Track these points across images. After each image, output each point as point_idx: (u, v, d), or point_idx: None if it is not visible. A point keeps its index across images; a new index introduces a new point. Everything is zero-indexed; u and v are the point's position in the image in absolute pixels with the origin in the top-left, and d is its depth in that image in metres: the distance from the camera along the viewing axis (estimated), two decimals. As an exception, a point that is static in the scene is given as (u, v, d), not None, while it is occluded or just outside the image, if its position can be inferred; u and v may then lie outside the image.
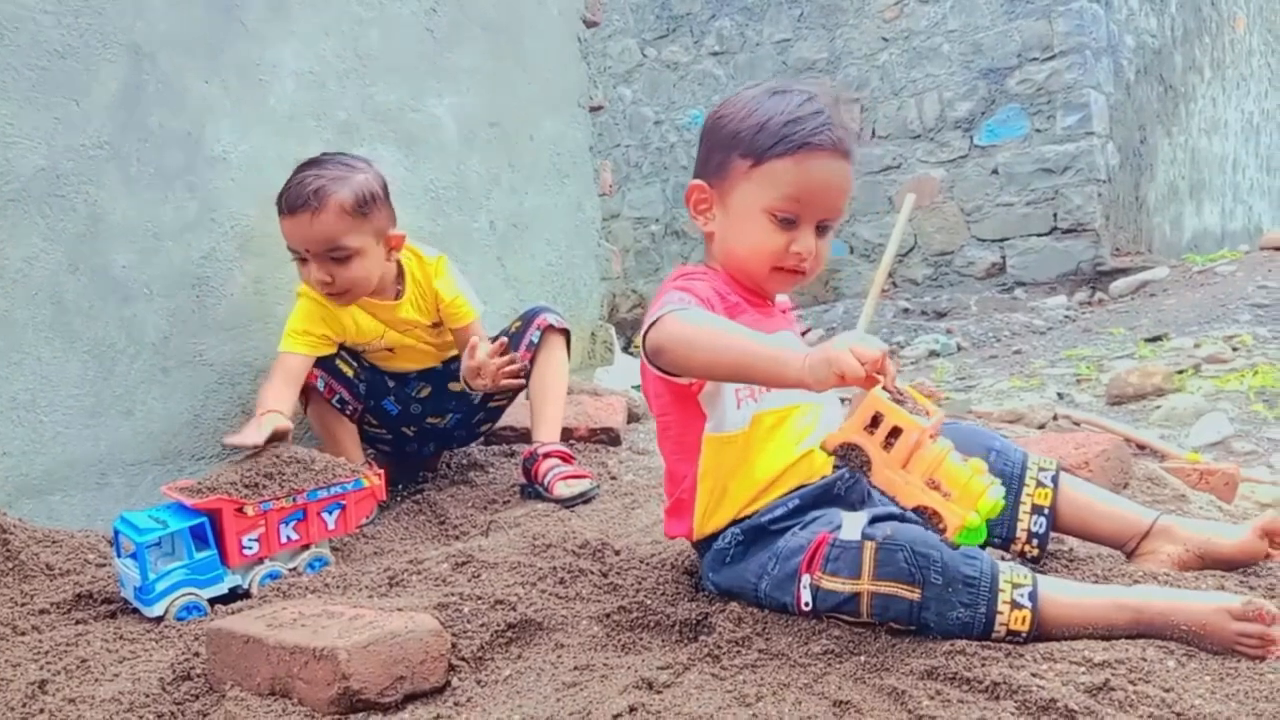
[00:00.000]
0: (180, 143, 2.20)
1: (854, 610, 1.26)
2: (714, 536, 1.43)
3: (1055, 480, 1.46)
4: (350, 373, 2.27)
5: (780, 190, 1.39)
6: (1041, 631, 1.20)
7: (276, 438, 1.89)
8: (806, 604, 1.30)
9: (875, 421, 1.14)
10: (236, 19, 2.30)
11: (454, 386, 2.37)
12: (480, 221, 2.91)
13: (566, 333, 2.37)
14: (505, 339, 2.29)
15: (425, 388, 2.39)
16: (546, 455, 2.23)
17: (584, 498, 2.15)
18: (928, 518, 1.12)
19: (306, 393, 2.21)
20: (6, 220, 1.95)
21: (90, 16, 2.06)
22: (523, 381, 2.29)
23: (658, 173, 8.00)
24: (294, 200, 2.07)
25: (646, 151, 8.02)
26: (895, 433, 1.13)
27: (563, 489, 2.16)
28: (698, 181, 1.49)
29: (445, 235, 2.78)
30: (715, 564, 1.43)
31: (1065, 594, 1.23)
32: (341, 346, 2.27)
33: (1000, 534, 1.44)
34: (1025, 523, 1.44)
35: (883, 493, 1.16)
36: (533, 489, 2.23)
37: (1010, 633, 1.20)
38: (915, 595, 1.22)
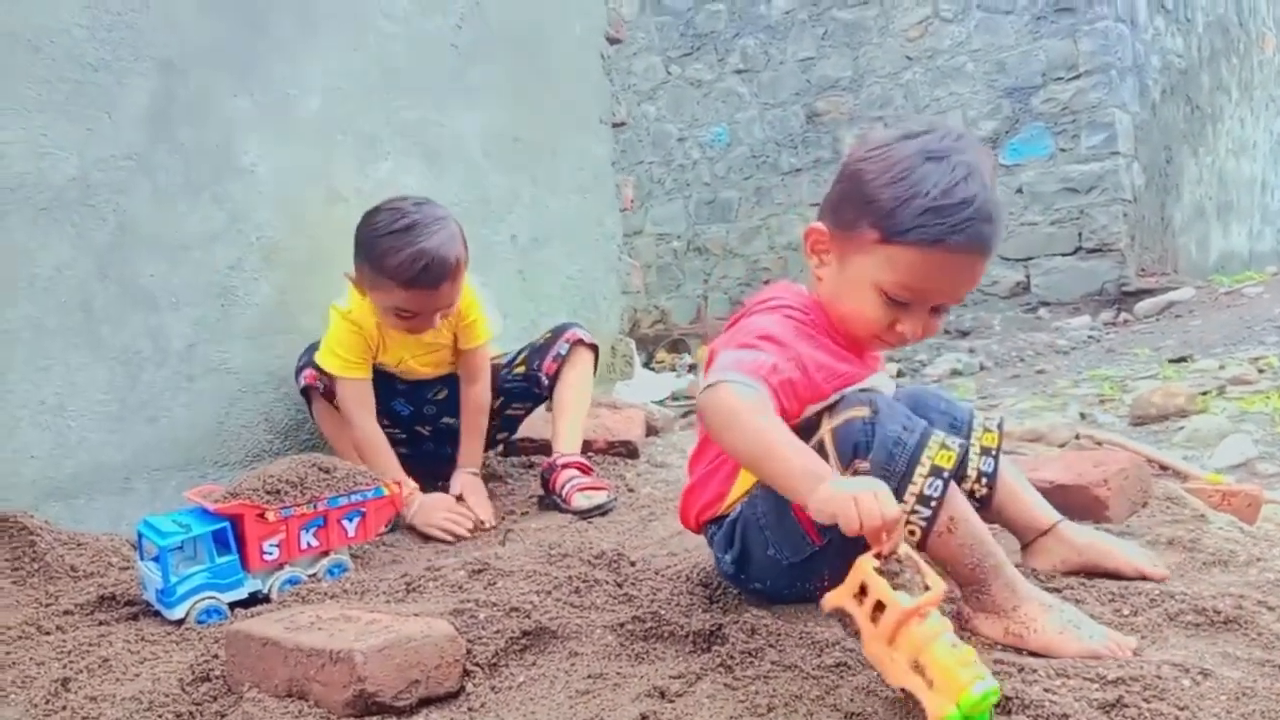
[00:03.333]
0: (208, 155, 2.24)
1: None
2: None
3: (1000, 426, 1.50)
4: None
5: (900, 277, 1.32)
6: (952, 508, 1.26)
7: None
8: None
9: (864, 590, 1.09)
10: (266, 35, 2.34)
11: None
12: (502, 235, 2.94)
13: (595, 349, 2.38)
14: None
15: (442, 390, 2.40)
16: (565, 466, 2.24)
17: (601, 510, 2.15)
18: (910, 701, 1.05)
19: (309, 394, 2.24)
20: (38, 229, 1.99)
21: (123, 31, 2.10)
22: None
23: (680, 189, 8.02)
24: (436, 277, 2.07)
25: (670, 168, 8.05)
26: (881, 607, 1.07)
27: (580, 500, 2.17)
28: (820, 227, 1.41)
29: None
30: (727, 537, 1.44)
31: (971, 509, 1.30)
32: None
33: None
34: (976, 463, 1.46)
35: (871, 666, 1.11)
36: (550, 500, 2.24)
37: (933, 468, 1.24)
38: (865, 412, 1.29)
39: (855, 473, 1.28)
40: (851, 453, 1.29)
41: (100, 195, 2.07)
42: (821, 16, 7.20)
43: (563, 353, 2.33)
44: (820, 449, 1.31)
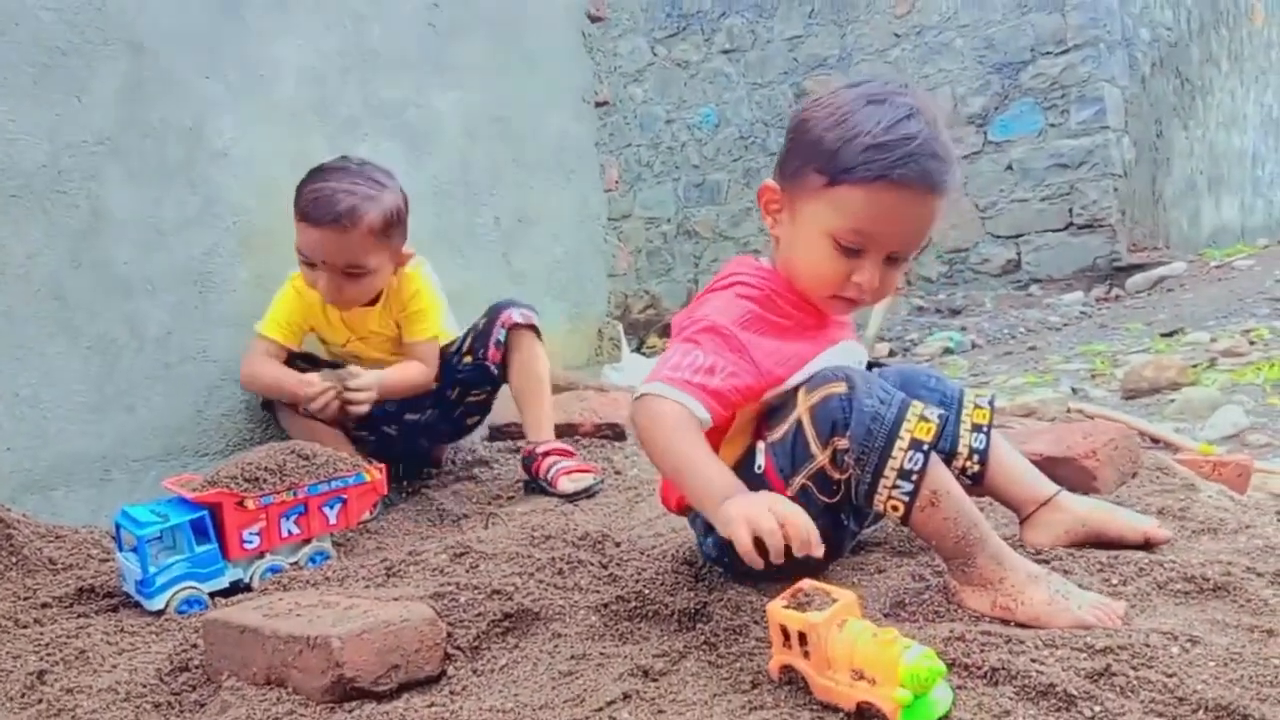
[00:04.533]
0: (181, 138, 2.21)
1: (804, 446, 1.30)
2: None
3: (991, 403, 1.49)
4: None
5: (848, 220, 1.30)
6: (933, 482, 1.24)
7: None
8: (759, 467, 1.36)
9: (787, 635, 1.08)
10: (237, 15, 2.30)
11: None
12: (485, 217, 2.90)
13: (534, 328, 2.28)
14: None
15: None
16: (546, 454, 2.22)
17: (589, 492, 2.13)
18: (873, 716, 1.02)
19: (272, 405, 2.22)
20: (9, 216, 1.96)
21: (91, 13, 2.06)
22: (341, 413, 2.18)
23: (669, 172, 7.99)
24: (323, 212, 2.04)
25: (658, 151, 8.02)
26: (805, 639, 1.06)
27: (567, 484, 2.15)
28: (771, 183, 1.41)
29: (450, 231, 2.78)
30: (707, 522, 1.43)
31: (954, 480, 1.29)
32: (304, 356, 2.28)
33: (943, 447, 1.43)
34: (966, 439, 1.45)
35: (827, 705, 1.07)
36: (536, 485, 2.21)
37: (913, 441, 1.23)
38: (842, 388, 1.27)
39: (835, 450, 1.28)
40: (830, 430, 1.27)
41: (72, 181, 2.04)
42: (808, -6, 7.16)
43: (501, 339, 2.25)
44: (798, 428, 1.31)
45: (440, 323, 2.32)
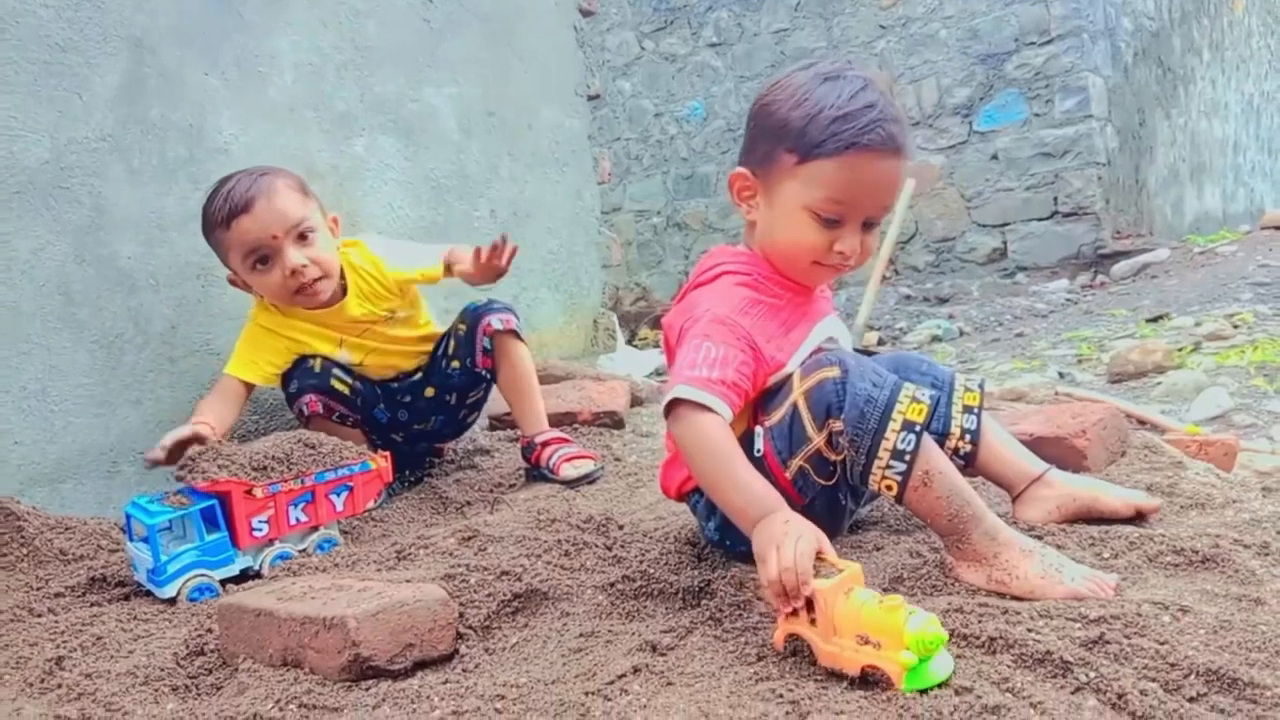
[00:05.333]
0: (182, 134, 2.23)
1: (800, 429, 1.34)
2: None
3: (981, 386, 1.54)
4: (346, 390, 2.23)
5: (825, 191, 1.35)
6: (926, 462, 1.28)
7: (190, 442, 1.87)
8: (758, 451, 1.39)
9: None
10: (235, 11, 2.32)
11: (429, 393, 2.34)
12: (481, 210, 2.93)
13: (516, 333, 2.29)
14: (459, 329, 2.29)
15: (406, 395, 2.35)
16: (546, 443, 2.25)
17: (589, 478, 2.17)
18: (876, 680, 1.05)
19: (312, 423, 2.20)
20: (12, 213, 1.98)
21: (90, 10, 2.08)
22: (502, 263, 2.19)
23: (658, 165, 8.01)
24: (241, 197, 2.01)
25: (646, 144, 8.04)
26: (811, 607, 1.10)
27: (569, 470, 2.18)
28: (742, 170, 1.45)
29: (447, 224, 2.81)
30: (710, 506, 1.47)
31: (946, 459, 1.32)
32: (333, 363, 2.23)
33: (936, 429, 1.47)
34: (958, 420, 1.50)
35: (832, 671, 1.10)
36: (538, 472, 2.25)
37: (905, 423, 1.27)
38: (836, 373, 1.31)
39: (830, 433, 1.32)
40: (825, 414, 1.32)
41: (74, 177, 2.06)
42: (794, -13, 7.19)
43: (488, 347, 2.26)
44: (794, 412, 1.35)
45: (412, 267, 2.29)
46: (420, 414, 2.36)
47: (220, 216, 2.03)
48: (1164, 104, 7.33)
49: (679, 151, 7.91)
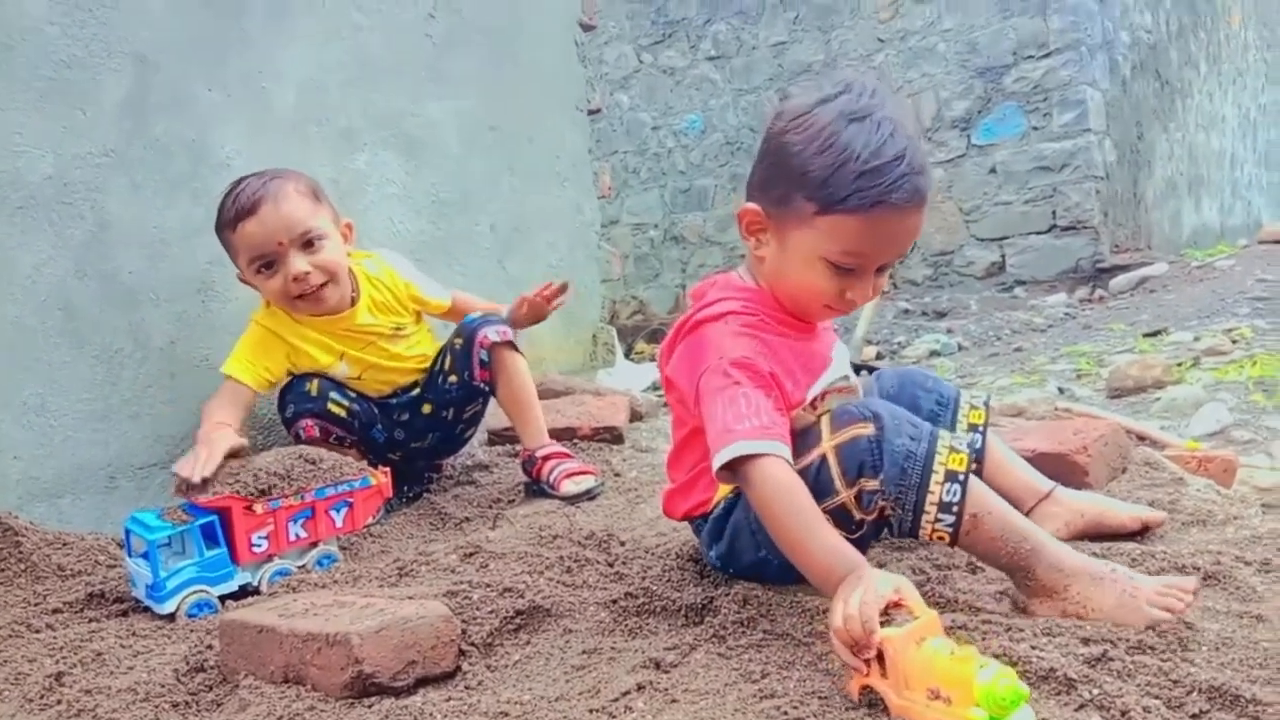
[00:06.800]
0: (185, 150, 2.24)
1: (827, 480, 1.28)
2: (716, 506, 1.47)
3: (986, 404, 1.53)
4: (343, 413, 2.22)
5: (844, 245, 1.30)
6: (973, 504, 1.25)
7: (232, 455, 1.83)
8: None
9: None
10: (238, 27, 2.33)
11: (426, 409, 2.32)
12: (482, 224, 2.94)
13: (511, 344, 2.28)
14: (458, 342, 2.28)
15: (404, 413, 2.33)
16: (547, 457, 2.25)
17: (590, 494, 2.16)
18: None
19: (302, 441, 2.18)
20: (16, 228, 1.98)
21: (95, 27, 2.09)
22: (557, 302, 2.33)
23: (656, 178, 8.03)
24: (248, 200, 2.02)
25: (644, 157, 8.05)
26: (883, 658, 1.04)
27: (570, 486, 2.18)
28: (753, 207, 1.38)
29: (448, 239, 2.81)
30: (715, 531, 1.46)
31: (994, 495, 1.29)
32: (330, 385, 2.21)
33: None
34: (964, 439, 1.47)
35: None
36: (538, 487, 2.24)
37: (948, 474, 1.24)
38: (870, 430, 1.27)
39: (861, 491, 1.28)
40: (857, 472, 1.28)
41: (77, 192, 2.06)
42: (793, 0, 7.22)
43: (485, 360, 2.24)
44: (823, 462, 1.30)
45: (433, 296, 2.34)
46: (417, 432, 2.35)
47: (228, 218, 2.05)
48: (1161, 117, 7.35)
49: (677, 165, 7.93)
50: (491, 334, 2.25)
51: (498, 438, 2.65)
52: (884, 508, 1.28)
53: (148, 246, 2.17)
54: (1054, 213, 6.34)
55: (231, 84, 2.32)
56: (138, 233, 2.16)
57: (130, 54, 2.14)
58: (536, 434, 2.31)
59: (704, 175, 7.81)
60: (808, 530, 1.21)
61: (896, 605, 1.07)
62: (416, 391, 2.34)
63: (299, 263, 2.06)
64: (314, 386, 2.19)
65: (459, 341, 2.28)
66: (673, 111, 7.90)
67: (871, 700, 1.05)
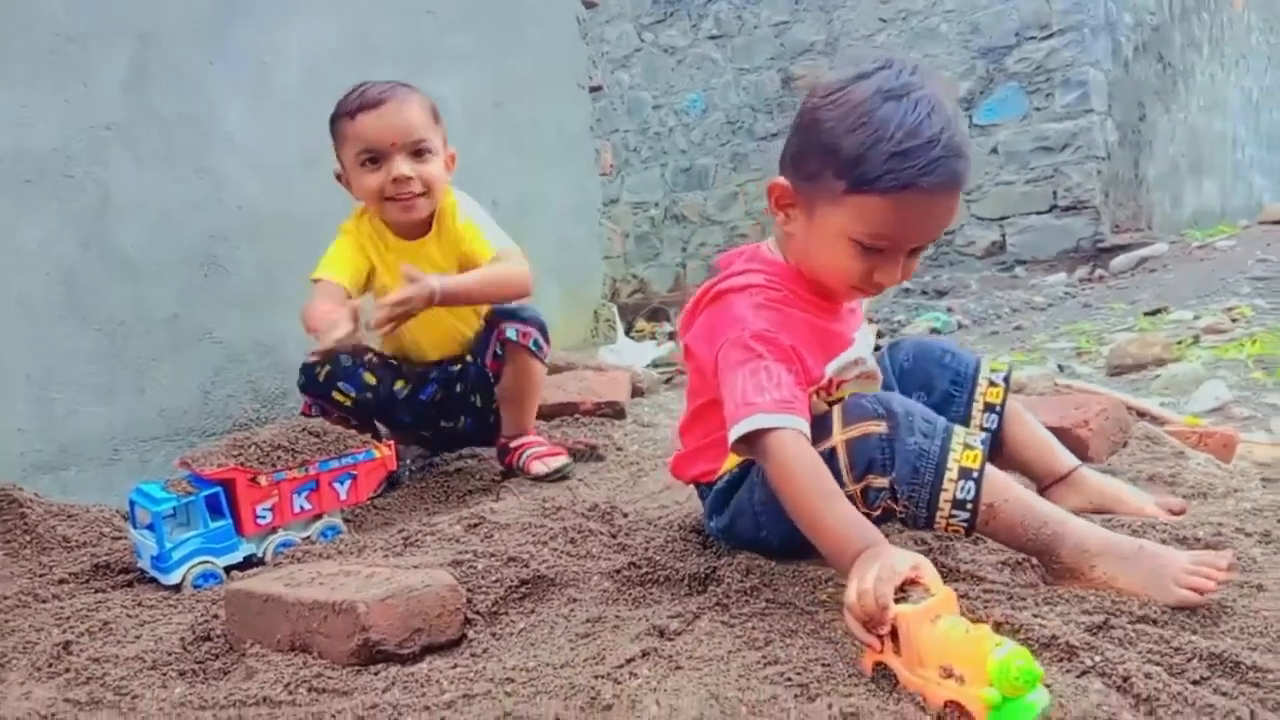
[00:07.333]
0: (187, 124, 2.23)
1: (835, 473, 1.25)
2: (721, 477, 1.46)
3: (1006, 379, 1.51)
4: (348, 401, 2.19)
5: (872, 226, 1.26)
6: (988, 494, 1.23)
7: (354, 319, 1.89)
8: None
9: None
10: (241, 2, 2.32)
11: (459, 388, 2.31)
12: (484, 202, 2.93)
13: (529, 350, 2.21)
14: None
15: (439, 393, 2.31)
16: (519, 447, 2.23)
17: (560, 474, 2.15)
18: (959, 717, 0.96)
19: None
20: (21, 201, 1.98)
21: (97, 1, 2.08)
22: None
23: (656, 157, 8.01)
24: (374, 95, 2.07)
25: (645, 136, 8.03)
26: (897, 634, 1.02)
27: (538, 467, 2.17)
28: (783, 182, 1.35)
29: (449, 214, 2.80)
30: (717, 504, 1.46)
31: (1011, 482, 1.27)
32: (343, 371, 2.18)
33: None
34: (978, 419, 1.49)
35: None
36: (510, 472, 2.23)
37: (962, 471, 1.22)
38: (882, 428, 1.26)
39: (868, 488, 1.27)
40: (865, 468, 1.26)
41: (80, 166, 2.06)
42: (794, -20, 7.18)
43: (500, 353, 2.21)
44: (832, 454, 1.29)
45: (488, 242, 2.22)
46: (449, 412, 2.32)
47: (350, 108, 2.09)
48: (1163, 99, 7.33)
49: (678, 144, 7.91)
50: (511, 331, 2.20)
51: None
52: (890, 505, 1.27)
53: (150, 220, 2.17)
54: (1055, 193, 6.33)
55: (233, 58, 2.31)
56: (140, 206, 2.16)
57: (132, 27, 2.14)
58: (514, 426, 2.27)
59: (704, 154, 7.79)
60: (824, 505, 1.19)
61: (913, 582, 1.05)
62: (457, 368, 2.31)
63: (404, 166, 2.09)
64: (323, 373, 2.17)
65: (483, 325, 2.26)
66: (673, 90, 7.87)
67: (880, 673, 1.06)
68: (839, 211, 1.28)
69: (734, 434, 1.25)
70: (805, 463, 1.22)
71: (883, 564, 1.06)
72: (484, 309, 2.28)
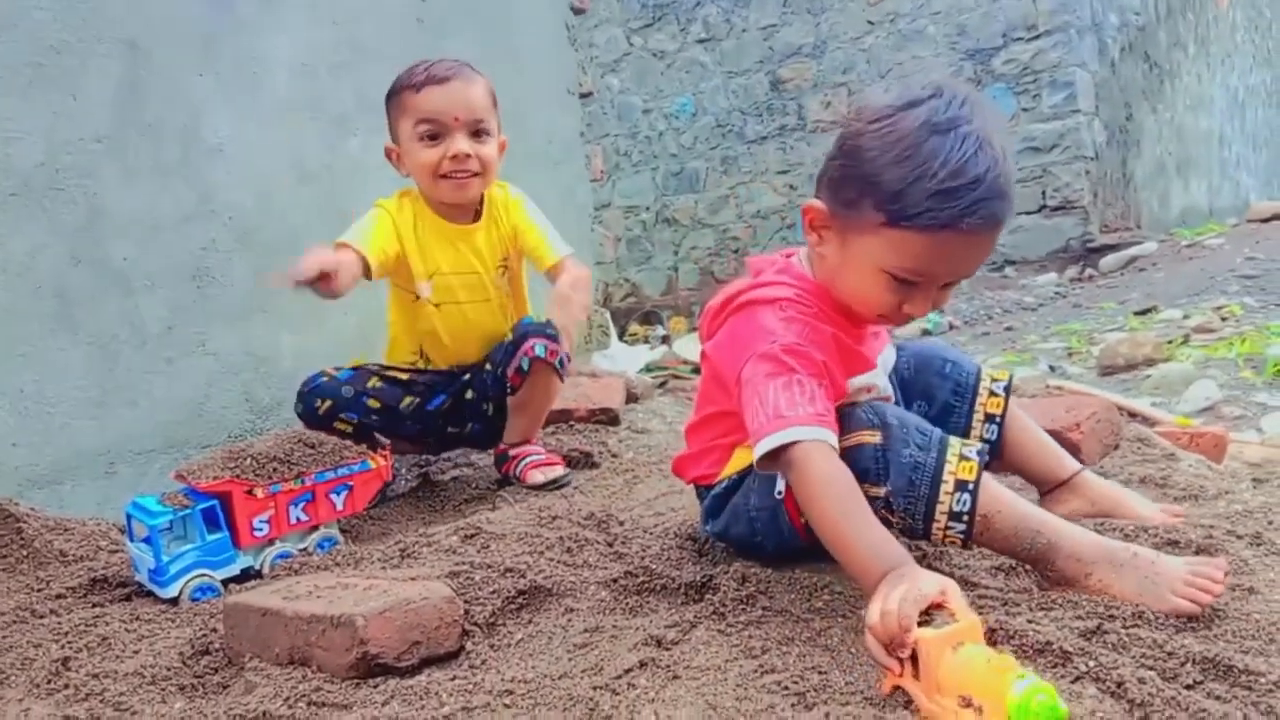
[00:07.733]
0: (177, 135, 2.23)
1: None
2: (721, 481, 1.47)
3: (1007, 389, 1.51)
4: (349, 428, 2.15)
5: (907, 261, 1.24)
6: (983, 505, 1.22)
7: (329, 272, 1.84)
8: (779, 492, 1.34)
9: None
10: (229, 12, 2.33)
11: (470, 395, 2.28)
12: (475, 209, 2.94)
13: (553, 368, 2.19)
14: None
15: (448, 403, 2.29)
16: (518, 455, 2.22)
17: (557, 484, 2.14)
18: None
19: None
20: (9, 215, 1.98)
21: (86, 12, 2.08)
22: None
23: (647, 161, 8.01)
24: (441, 71, 2.08)
25: (635, 140, 8.03)
26: (917, 659, 1.00)
27: (536, 476, 2.16)
28: (819, 205, 1.32)
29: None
30: (714, 507, 1.47)
31: (1005, 491, 1.27)
32: (345, 404, 2.14)
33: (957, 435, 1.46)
34: (978, 430, 1.49)
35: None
36: (508, 482, 2.22)
37: (958, 483, 1.22)
38: (876, 438, 1.26)
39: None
40: (860, 477, 1.24)
41: (70, 178, 2.06)
42: (782, -17, 7.20)
43: (524, 368, 2.16)
44: None
45: (554, 247, 2.21)
46: (457, 418, 2.30)
47: (416, 80, 2.09)
48: (1150, 98, 7.37)
49: (668, 148, 7.91)
50: (538, 347, 2.16)
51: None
52: (885, 515, 1.26)
53: (141, 232, 2.17)
54: (1044, 193, 6.35)
55: (223, 69, 2.31)
56: (131, 219, 2.16)
57: (121, 39, 2.14)
58: (520, 434, 2.26)
59: (695, 158, 7.80)
60: (853, 523, 1.16)
61: (939, 606, 1.02)
62: (468, 376, 2.28)
63: (463, 143, 2.10)
64: (323, 406, 2.13)
65: (511, 338, 2.22)
66: (663, 94, 7.87)
67: (870, 680, 1.06)
68: (875, 243, 1.26)
69: (767, 445, 1.22)
70: (838, 477, 1.19)
71: (909, 585, 1.04)
72: (514, 318, 2.28)
